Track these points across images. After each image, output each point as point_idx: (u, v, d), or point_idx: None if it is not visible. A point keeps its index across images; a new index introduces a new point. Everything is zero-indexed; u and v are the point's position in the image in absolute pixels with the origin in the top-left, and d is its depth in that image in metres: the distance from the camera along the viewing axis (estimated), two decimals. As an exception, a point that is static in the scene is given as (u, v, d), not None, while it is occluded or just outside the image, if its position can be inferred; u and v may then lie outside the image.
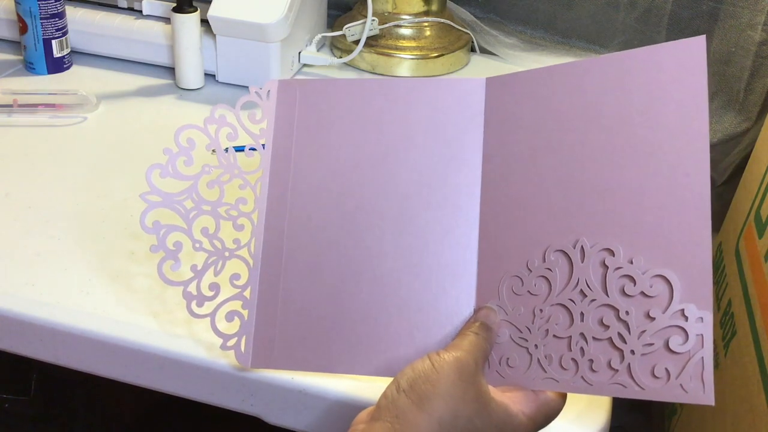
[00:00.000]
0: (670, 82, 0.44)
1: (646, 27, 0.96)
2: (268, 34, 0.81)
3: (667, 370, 0.41)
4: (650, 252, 0.42)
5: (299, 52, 0.90)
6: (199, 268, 0.51)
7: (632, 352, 0.41)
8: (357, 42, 0.91)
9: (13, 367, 0.86)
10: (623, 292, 0.42)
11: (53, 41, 0.84)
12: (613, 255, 0.43)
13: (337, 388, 0.49)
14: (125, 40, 0.87)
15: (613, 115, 0.45)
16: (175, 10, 0.81)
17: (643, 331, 0.41)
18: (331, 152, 0.52)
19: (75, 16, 0.87)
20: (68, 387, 0.89)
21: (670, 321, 0.41)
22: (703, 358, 0.40)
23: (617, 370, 0.42)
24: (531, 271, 0.46)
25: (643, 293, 0.42)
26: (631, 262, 0.43)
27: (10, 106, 0.77)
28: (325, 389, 0.49)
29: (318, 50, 0.94)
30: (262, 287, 0.50)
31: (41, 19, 0.82)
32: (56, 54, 0.85)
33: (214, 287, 0.50)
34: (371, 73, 0.94)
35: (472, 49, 1.01)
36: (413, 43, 0.94)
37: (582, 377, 0.43)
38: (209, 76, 0.87)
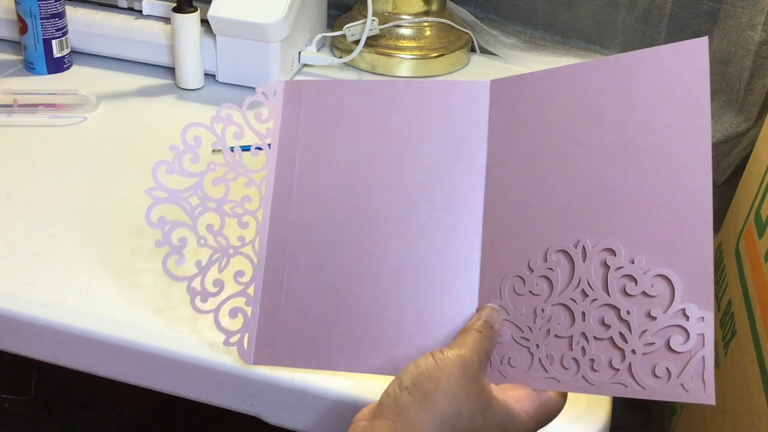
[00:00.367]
0: (673, 84, 0.45)
1: (646, 27, 0.96)
2: (268, 34, 0.81)
3: (668, 369, 0.41)
4: (651, 252, 0.43)
5: (299, 52, 0.90)
6: (203, 264, 0.51)
7: (633, 351, 0.42)
8: (357, 42, 0.91)
9: (13, 367, 0.86)
10: (624, 292, 0.43)
11: (53, 41, 0.84)
12: (615, 255, 0.43)
13: (337, 388, 0.49)
14: (125, 40, 0.87)
15: (616, 117, 0.46)
16: (175, 10, 0.81)
17: (644, 331, 0.42)
18: (337, 153, 0.52)
19: (75, 16, 0.87)
20: (68, 387, 0.89)
21: (671, 320, 0.41)
22: (704, 357, 0.40)
23: (618, 370, 0.42)
24: (533, 270, 0.46)
25: (644, 293, 0.42)
26: (633, 262, 0.43)
27: (10, 106, 0.77)
28: (325, 389, 0.49)
29: (318, 50, 0.94)
30: (266, 285, 0.51)
31: (41, 19, 0.82)
32: (56, 54, 0.85)
33: (219, 284, 0.51)
34: (371, 73, 0.94)
35: (472, 49, 1.01)
36: (413, 43, 0.94)
37: (583, 377, 0.43)
38: (209, 76, 0.87)
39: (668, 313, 0.41)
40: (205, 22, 0.82)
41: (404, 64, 0.93)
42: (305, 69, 0.92)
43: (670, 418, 1.03)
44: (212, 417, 0.81)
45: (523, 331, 0.46)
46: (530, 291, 0.46)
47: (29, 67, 0.86)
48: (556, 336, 0.44)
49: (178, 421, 0.94)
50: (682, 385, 0.40)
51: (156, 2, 0.86)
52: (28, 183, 0.67)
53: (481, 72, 0.98)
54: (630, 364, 0.42)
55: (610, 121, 0.46)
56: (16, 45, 0.90)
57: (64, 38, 0.85)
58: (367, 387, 0.49)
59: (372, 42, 0.93)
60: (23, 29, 0.83)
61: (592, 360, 0.43)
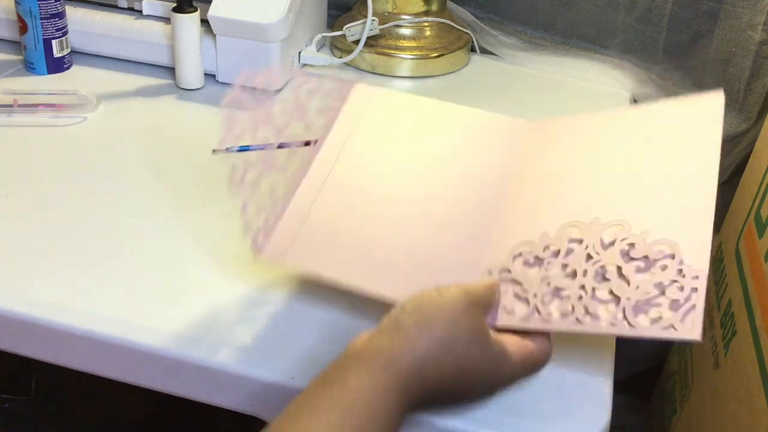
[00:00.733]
0: (688, 133, 0.52)
1: (646, 27, 0.96)
2: (268, 34, 0.81)
3: (660, 313, 0.43)
4: (656, 230, 0.47)
5: (299, 52, 0.90)
6: (251, 160, 0.55)
7: (628, 299, 0.44)
8: (357, 42, 0.91)
9: (13, 367, 0.86)
10: (627, 255, 0.46)
11: (53, 41, 0.84)
12: (623, 227, 0.47)
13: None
14: (125, 40, 0.87)
15: (636, 151, 0.53)
16: (175, 10, 0.81)
17: (642, 284, 0.45)
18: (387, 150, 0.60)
19: (75, 16, 0.87)
20: (68, 387, 0.89)
21: (668, 277, 0.44)
22: (695, 305, 0.43)
23: (611, 313, 0.45)
24: (544, 241, 0.50)
25: (646, 257, 0.45)
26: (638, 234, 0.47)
27: (10, 106, 0.77)
28: (325, 389, 0.49)
29: (318, 50, 0.94)
30: (296, 200, 0.55)
31: (41, 19, 0.82)
32: (56, 54, 0.85)
33: (257, 185, 0.54)
34: (371, 73, 0.94)
35: (472, 49, 1.01)
36: (413, 43, 0.94)
37: (576, 318, 0.45)
38: (209, 76, 0.87)
39: (666, 272, 0.44)
40: (205, 22, 0.82)
41: (404, 64, 0.93)
42: (305, 69, 0.92)
43: (670, 418, 1.03)
44: (212, 417, 0.81)
45: (524, 286, 0.48)
46: (537, 257, 0.49)
47: (29, 67, 0.86)
48: (555, 287, 0.47)
49: (178, 421, 0.94)
50: (672, 326, 0.43)
51: (156, 2, 0.86)
52: (28, 183, 0.67)
53: (481, 72, 0.98)
54: (624, 308, 0.44)
55: (629, 151, 0.54)
56: (16, 45, 0.90)
57: (64, 38, 0.85)
58: (367, 387, 0.49)
59: (372, 42, 0.93)
60: (23, 29, 0.83)
61: (587, 306, 0.45)
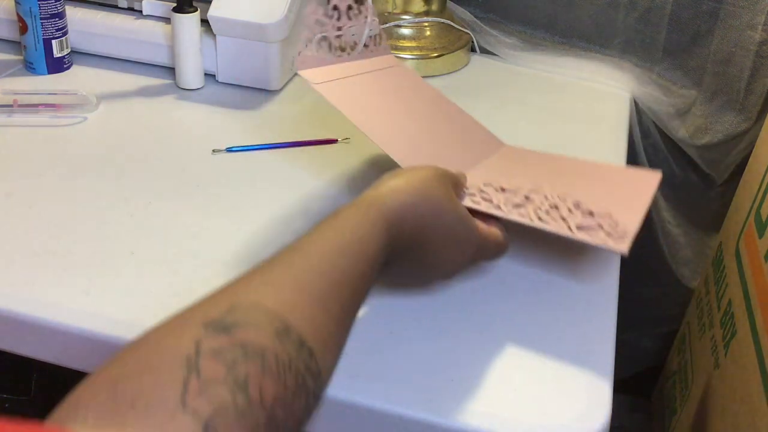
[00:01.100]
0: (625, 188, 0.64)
1: (646, 27, 0.96)
2: (268, 34, 0.81)
3: (597, 233, 0.53)
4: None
5: (299, 52, 0.90)
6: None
7: (574, 222, 0.54)
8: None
9: (13, 367, 0.86)
10: (575, 204, 0.56)
11: (53, 41, 0.84)
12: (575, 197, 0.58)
13: (337, 388, 0.49)
14: (125, 40, 0.87)
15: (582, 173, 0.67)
16: (175, 10, 0.81)
17: (585, 220, 0.54)
18: None
19: (75, 16, 0.87)
20: (68, 387, 0.89)
21: (605, 222, 0.54)
22: (628, 230, 0.53)
23: (560, 225, 0.54)
24: (512, 183, 0.60)
25: (590, 212, 0.55)
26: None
27: (10, 106, 0.77)
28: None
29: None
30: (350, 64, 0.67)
31: (41, 19, 0.82)
32: (56, 54, 0.85)
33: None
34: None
35: (472, 49, 1.01)
36: (413, 43, 0.94)
37: (530, 218, 0.55)
38: (209, 76, 0.87)
39: (604, 220, 0.55)
40: (205, 22, 0.82)
41: (404, 64, 0.93)
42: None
43: (670, 418, 1.03)
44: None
45: (494, 203, 0.56)
46: (503, 187, 0.59)
47: (29, 67, 0.86)
48: (516, 204, 0.56)
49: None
50: (606, 241, 0.52)
51: (156, 2, 0.86)
52: (28, 183, 0.67)
53: (481, 72, 0.98)
54: (569, 225, 0.54)
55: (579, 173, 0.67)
56: (16, 45, 0.90)
57: (64, 38, 0.86)
58: (368, 387, 0.49)
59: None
60: (23, 29, 0.83)
61: (540, 217, 0.55)
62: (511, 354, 0.52)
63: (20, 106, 0.77)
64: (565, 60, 0.98)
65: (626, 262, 0.61)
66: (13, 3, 0.84)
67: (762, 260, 0.76)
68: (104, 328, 0.52)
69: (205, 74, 0.86)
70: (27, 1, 0.81)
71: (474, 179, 0.60)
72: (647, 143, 1.00)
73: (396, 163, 0.58)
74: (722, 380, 0.81)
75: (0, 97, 0.78)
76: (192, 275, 0.57)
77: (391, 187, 0.47)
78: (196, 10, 0.81)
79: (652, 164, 1.01)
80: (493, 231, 0.54)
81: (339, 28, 0.66)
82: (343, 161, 0.74)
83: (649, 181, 0.64)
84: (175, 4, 0.81)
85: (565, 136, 0.85)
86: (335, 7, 0.65)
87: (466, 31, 0.99)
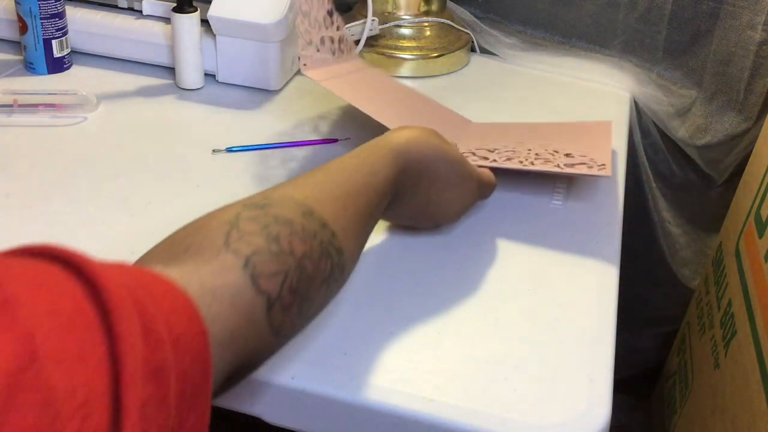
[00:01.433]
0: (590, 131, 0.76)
1: (646, 27, 0.96)
2: (268, 34, 0.81)
3: (579, 166, 0.63)
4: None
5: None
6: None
7: (558, 160, 0.64)
8: (357, 42, 0.91)
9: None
10: (554, 150, 0.67)
11: (53, 41, 0.84)
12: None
13: (338, 388, 0.49)
14: (125, 40, 0.87)
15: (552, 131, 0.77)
16: (175, 10, 0.81)
17: (566, 158, 0.66)
18: None
19: (75, 16, 0.87)
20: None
21: (584, 160, 0.65)
22: (605, 161, 0.63)
23: (546, 166, 0.64)
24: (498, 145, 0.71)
25: (567, 153, 0.66)
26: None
27: (10, 106, 0.77)
28: (325, 389, 0.49)
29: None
30: (347, 61, 0.77)
31: (41, 19, 0.82)
32: (56, 54, 0.85)
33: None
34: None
35: (472, 49, 1.01)
36: (413, 43, 0.94)
37: (519, 162, 0.65)
38: (209, 76, 0.87)
39: (583, 158, 0.65)
40: (205, 22, 0.82)
41: (404, 64, 0.93)
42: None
43: (670, 418, 1.03)
44: (212, 417, 0.80)
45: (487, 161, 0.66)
46: (489, 149, 0.68)
47: (29, 67, 0.86)
48: (506, 159, 0.66)
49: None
50: (591, 168, 0.62)
51: (156, 2, 0.86)
52: (28, 183, 0.67)
53: (481, 72, 0.98)
54: (557, 164, 0.64)
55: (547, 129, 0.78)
56: (16, 45, 0.90)
57: (64, 38, 0.86)
58: (368, 387, 0.49)
59: (372, 42, 0.93)
60: (23, 29, 0.83)
61: (526, 160, 0.65)
62: (511, 354, 0.52)
63: (20, 106, 0.77)
64: (565, 60, 0.98)
65: (626, 262, 0.61)
66: (13, 3, 0.84)
67: (762, 260, 0.76)
68: (104, 328, 0.52)
69: (205, 74, 0.86)
70: (27, 1, 0.81)
71: (462, 148, 0.68)
72: (647, 143, 1.00)
73: None
74: (722, 380, 0.81)
75: (0, 97, 0.78)
76: (192, 275, 0.57)
77: (395, 131, 0.55)
78: (196, 10, 0.81)
79: (652, 164, 1.01)
80: (486, 171, 0.62)
81: (332, 34, 0.74)
82: (343, 161, 0.74)
83: (604, 128, 0.76)
84: (175, 4, 0.81)
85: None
86: (329, 12, 0.74)
87: (466, 31, 0.99)
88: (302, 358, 0.51)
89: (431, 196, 0.56)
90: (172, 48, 0.84)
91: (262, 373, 0.50)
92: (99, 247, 0.59)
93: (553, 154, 0.66)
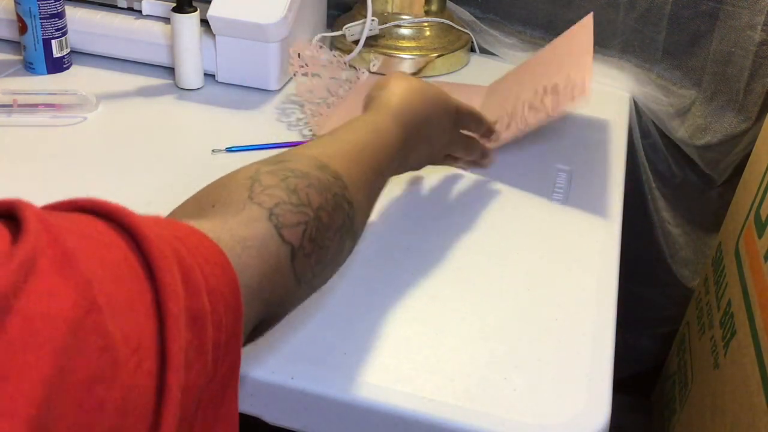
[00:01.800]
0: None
1: (646, 27, 0.96)
2: (268, 34, 0.81)
3: (568, 95, 0.67)
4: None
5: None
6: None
7: (549, 106, 0.69)
8: (357, 42, 0.91)
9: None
10: (543, 89, 0.71)
11: (53, 41, 0.84)
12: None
13: (338, 388, 0.49)
14: (125, 40, 0.87)
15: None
16: (175, 10, 0.81)
17: (555, 94, 0.69)
18: None
19: (75, 16, 0.87)
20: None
21: (567, 93, 0.68)
22: (584, 83, 0.66)
23: (538, 118, 0.69)
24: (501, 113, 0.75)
25: (555, 85, 0.70)
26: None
27: (10, 106, 0.77)
28: (325, 389, 0.49)
29: (318, 50, 0.94)
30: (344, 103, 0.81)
31: (41, 19, 0.82)
32: (56, 54, 0.85)
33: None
34: (371, 73, 0.94)
35: (472, 49, 1.01)
36: (413, 43, 0.94)
37: (519, 129, 0.70)
38: (209, 76, 0.87)
39: (568, 84, 0.69)
40: (205, 22, 0.82)
41: (404, 64, 0.93)
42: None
43: (669, 418, 1.03)
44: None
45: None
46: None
47: (29, 67, 0.86)
48: (505, 128, 0.72)
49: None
50: (573, 98, 0.66)
51: (156, 2, 0.86)
52: (29, 183, 0.67)
53: (480, 72, 0.98)
54: (547, 112, 0.68)
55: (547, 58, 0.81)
56: (16, 45, 0.90)
57: (63, 38, 0.86)
58: (367, 387, 0.49)
59: (372, 42, 0.93)
60: (23, 29, 0.83)
61: (521, 119, 0.70)
62: (510, 354, 0.52)
63: (20, 106, 0.77)
64: (564, 60, 0.98)
65: (626, 262, 0.61)
66: (13, 3, 0.84)
67: (762, 260, 0.76)
68: (104, 328, 0.52)
69: (205, 74, 0.86)
70: (27, 1, 0.81)
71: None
72: (647, 143, 1.00)
73: None
74: (722, 380, 0.81)
75: (0, 97, 0.78)
76: (192, 275, 0.57)
77: (387, 89, 0.58)
78: (196, 10, 0.81)
79: (652, 164, 1.01)
80: (469, 106, 0.65)
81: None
82: (342, 161, 0.74)
83: (585, 26, 0.79)
84: (174, 4, 0.81)
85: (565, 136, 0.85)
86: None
87: (465, 31, 0.99)
88: (302, 358, 0.51)
89: (430, 137, 0.61)
90: (172, 48, 0.84)
91: (262, 373, 0.50)
92: (99, 247, 0.59)
93: (542, 100, 0.70)
